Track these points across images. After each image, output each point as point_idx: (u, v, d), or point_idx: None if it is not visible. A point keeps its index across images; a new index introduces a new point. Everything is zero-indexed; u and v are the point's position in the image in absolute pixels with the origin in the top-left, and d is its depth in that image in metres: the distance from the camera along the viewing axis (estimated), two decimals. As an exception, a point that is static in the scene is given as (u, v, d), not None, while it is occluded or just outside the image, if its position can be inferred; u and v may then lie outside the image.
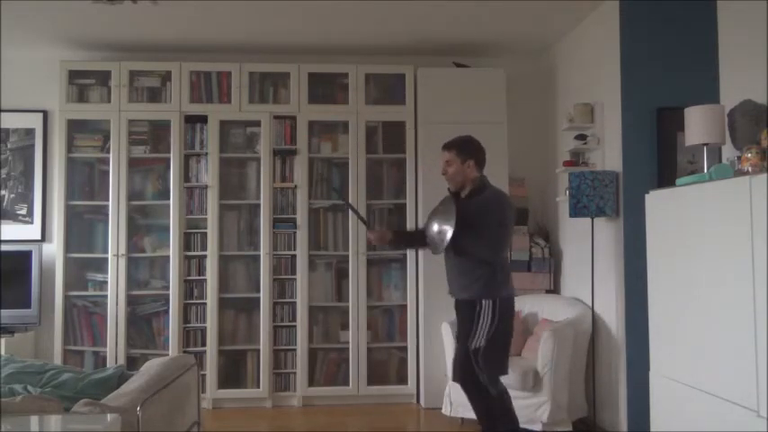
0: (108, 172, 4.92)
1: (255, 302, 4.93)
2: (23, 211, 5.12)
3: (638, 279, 3.63)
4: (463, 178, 3.46)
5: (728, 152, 3.49)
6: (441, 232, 3.36)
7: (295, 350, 4.91)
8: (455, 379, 3.50)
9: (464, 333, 3.41)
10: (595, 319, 4.22)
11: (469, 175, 3.45)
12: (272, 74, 5.08)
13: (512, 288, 3.48)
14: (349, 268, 4.96)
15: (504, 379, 4.09)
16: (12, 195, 5.13)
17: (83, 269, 4.99)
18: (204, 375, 4.77)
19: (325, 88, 5.09)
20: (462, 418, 4.32)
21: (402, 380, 4.97)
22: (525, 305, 4.66)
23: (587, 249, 4.22)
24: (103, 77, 4.97)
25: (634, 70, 3.98)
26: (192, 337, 4.90)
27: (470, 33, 4.84)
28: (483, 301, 3.32)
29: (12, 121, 5.12)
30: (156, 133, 5.02)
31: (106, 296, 4.86)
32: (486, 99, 4.94)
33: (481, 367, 3.31)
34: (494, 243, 3.34)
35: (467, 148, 3.48)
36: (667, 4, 3.94)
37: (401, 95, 5.05)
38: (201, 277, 4.92)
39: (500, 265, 3.39)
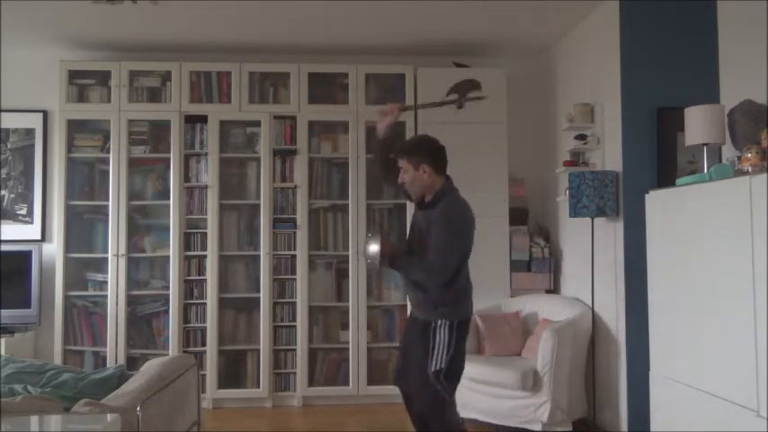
0: (108, 172, 4.92)
1: (255, 302, 4.93)
2: (23, 211, 5.12)
3: (638, 279, 3.63)
4: (421, 187, 3.05)
5: (728, 152, 3.49)
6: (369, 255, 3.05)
7: (295, 350, 4.91)
8: (413, 417, 3.22)
9: (415, 355, 3.08)
10: (595, 319, 4.22)
11: (428, 182, 3.03)
12: (272, 74, 5.09)
13: (471, 308, 3.14)
14: (349, 268, 4.96)
15: (504, 379, 4.11)
16: (12, 195, 5.13)
17: (83, 269, 4.99)
18: (204, 375, 4.77)
19: (325, 88, 5.09)
20: (462, 419, 4.31)
21: (402, 380, 4.96)
22: (525, 305, 4.66)
23: (587, 249, 4.22)
24: (103, 77, 4.97)
25: (634, 70, 3.98)
26: (192, 337, 4.90)
27: (470, 33, 4.84)
28: (439, 322, 3.00)
29: (12, 121, 5.12)
30: (156, 133, 5.02)
31: (106, 296, 4.86)
32: (486, 99, 4.92)
33: (446, 389, 3.02)
34: (441, 266, 2.94)
35: (417, 152, 3.05)
36: (667, 5, 3.94)
37: (401, 95, 5.04)
38: (201, 277, 4.92)
39: (458, 284, 3.05)
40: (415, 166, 3.02)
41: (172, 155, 4.93)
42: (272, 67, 5.08)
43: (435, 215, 2.99)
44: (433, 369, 3.00)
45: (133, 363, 4.68)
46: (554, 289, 4.92)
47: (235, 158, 5.08)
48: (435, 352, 3.01)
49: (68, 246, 4.89)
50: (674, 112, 3.59)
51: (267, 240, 4.92)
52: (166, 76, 4.99)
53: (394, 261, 3.07)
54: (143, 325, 4.98)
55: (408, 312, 3.44)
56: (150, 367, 2.96)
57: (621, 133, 4.00)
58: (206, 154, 4.97)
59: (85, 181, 5.05)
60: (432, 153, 3.06)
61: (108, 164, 4.93)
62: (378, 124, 3.28)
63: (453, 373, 3.05)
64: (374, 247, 3.01)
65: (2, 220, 5.07)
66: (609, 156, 4.22)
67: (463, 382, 4.22)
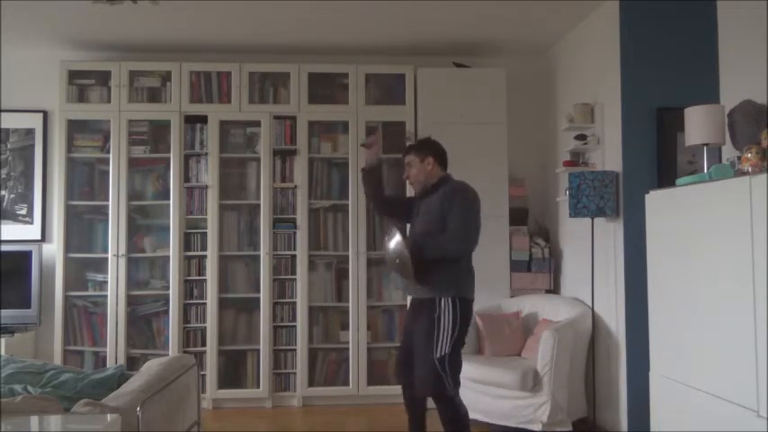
0: (108, 172, 4.92)
1: (255, 302, 4.93)
2: (23, 211, 5.12)
3: (638, 279, 3.63)
4: (425, 178, 3.37)
5: (728, 152, 3.49)
6: (397, 259, 3.23)
7: (295, 350, 4.91)
8: (423, 394, 3.30)
9: (421, 338, 3.20)
10: (595, 319, 4.22)
11: (431, 173, 3.37)
12: (272, 74, 5.09)
13: (472, 290, 3.32)
14: (349, 268, 4.96)
15: (504, 379, 4.10)
16: (12, 195, 5.13)
17: (83, 269, 4.98)
18: (204, 375, 4.77)
19: (326, 88, 5.09)
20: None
21: (402, 380, 4.96)
22: (525, 305, 4.66)
23: (587, 249, 4.22)
24: (103, 77, 4.97)
25: (634, 70, 3.98)
26: (192, 337, 4.90)
27: (470, 33, 4.84)
28: (443, 301, 3.17)
29: (12, 121, 5.12)
30: (156, 133, 5.02)
31: (106, 296, 4.86)
32: (486, 99, 4.94)
33: (449, 375, 3.16)
34: (464, 232, 3.16)
35: (424, 146, 3.44)
36: (667, 4, 3.94)
37: (401, 95, 5.05)
38: (201, 277, 4.92)
39: (466, 261, 3.28)
40: (421, 159, 3.38)
41: (172, 155, 4.93)
42: (272, 67, 5.08)
43: (441, 195, 3.26)
44: (437, 355, 3.15)
45: (133, 363, 4.68)
46: (554, 289, 4.92)
47: (235, 158, 5.08)
48: (440, 337, 3.15)
49: (68, 246, 4.89)
50: (674, 112, 3.59)
51: (267, 240, 4.91)
52: (166, 76, 4.99)
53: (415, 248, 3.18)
54: (143, 325, 4.98)
55: (408, 303, 3.56)
56: (150, 367, 2.96)
57: (621, 133, 4.00)
58: (206, 154, 4.97)
59: (85, 181, 5.05)
60: (436, 149, 3.43)
61: (108, 164, 4.93)
62: (367, 156, 3.56)
63: (456, 360, 3.20)
64: (396, 242, 3.23)
65: (2, 220, 5.07)
66: (609, 156, 4.22)
67: (463, 382, 4.24)
